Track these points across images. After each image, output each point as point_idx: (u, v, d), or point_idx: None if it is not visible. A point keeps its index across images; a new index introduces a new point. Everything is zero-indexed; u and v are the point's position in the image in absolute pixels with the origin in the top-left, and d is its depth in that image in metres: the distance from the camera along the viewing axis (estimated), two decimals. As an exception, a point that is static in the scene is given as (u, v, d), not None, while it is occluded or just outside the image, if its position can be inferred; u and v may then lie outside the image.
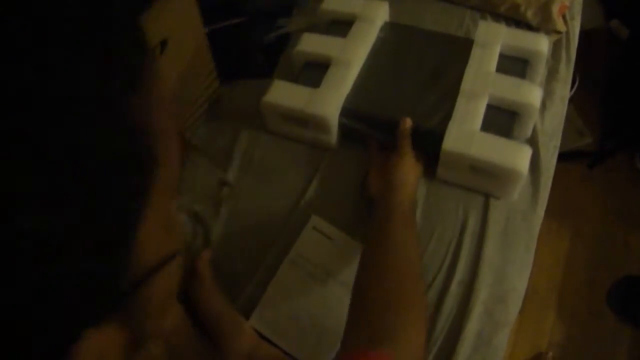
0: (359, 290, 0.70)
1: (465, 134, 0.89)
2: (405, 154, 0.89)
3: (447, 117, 0.92)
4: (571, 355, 1.50)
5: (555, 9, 1.14)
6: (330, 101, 0.95)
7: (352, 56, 1.00)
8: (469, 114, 0.91)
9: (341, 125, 0.97)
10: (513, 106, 0.94)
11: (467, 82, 0.96)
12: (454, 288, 0.87)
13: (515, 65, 1.01)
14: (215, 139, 1.06)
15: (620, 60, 1.90)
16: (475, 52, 1.00)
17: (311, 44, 1.04)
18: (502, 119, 0.93)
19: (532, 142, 1.01)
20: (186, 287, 0.87)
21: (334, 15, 1.10)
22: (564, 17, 1.18)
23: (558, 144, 1.05)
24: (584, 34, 1.30)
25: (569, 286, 1.59)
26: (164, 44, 0.82)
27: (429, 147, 0.91)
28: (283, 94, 0.97)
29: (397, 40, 1.06)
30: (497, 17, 1.18)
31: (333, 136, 0.98)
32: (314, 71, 1.01)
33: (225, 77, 1.13)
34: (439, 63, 1.01)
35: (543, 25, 1.15)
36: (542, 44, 1.01)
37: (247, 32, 1.09)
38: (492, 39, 1.01)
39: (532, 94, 0.94)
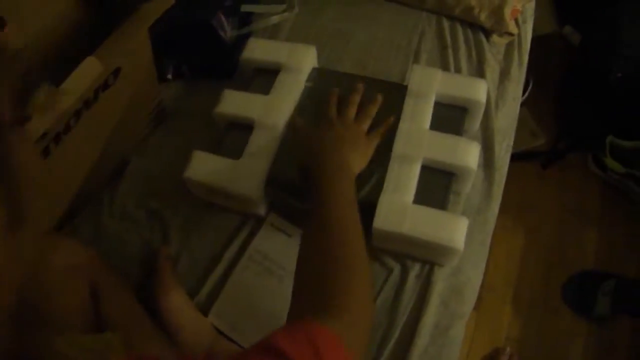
0: (299, 261, 0.68)
1: (398, 208, 0.83)
2: (330, 120, 0.84)
3: (379, 184, 0.86)
4: (528, 349, 1.53)
5: (508, 12, 1.17)
6: (252, 175, 0.88)
7: (276, 118, 0.93)
8: (402, 182, 0.86)
9: (268, 196, 0.91)
10: (449, 168, 0.89)
11: (399, 144, 0.89)
12: (411, 282, 0.88)
13: (451, 114, 0.95)
14: (172, 139, 1.06)
15: (573, 65, 1.95)
16: (409, 104, 0.93)
17: (232, 104, 0.96)
18: (438, 182, 0.88)
19: (486, 139, 1.04)
20: (145, 284, 0.87)
21: (257, 64, 1.02)
22: (516, 20, 1.21)
23: (511, 142, 1.07)
24: (539, 40, 1.34)
25: (525, 282, 1.63)
26: (117, 71, 0.85)
27: (361, 218, 0.84)
28: (205, 167, 0.90)
29: (326, 90, 0.97)
30: (453, 19, 1.21)
31: (261, 207, 0.92)
32: (238, 135, 0.94)
33: (188, 76, 1.14)
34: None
35: (496, 27, 1.18)
36: (479, 92, 0.95)
37: (209, 28, 1.08)
38: (426, 89, 0.95)
39: (468, 154, 0.88)
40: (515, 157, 1.75)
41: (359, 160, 0.84)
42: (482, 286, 0.93)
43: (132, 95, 0.95)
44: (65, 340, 0.61)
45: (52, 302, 0.66)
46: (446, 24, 1.20)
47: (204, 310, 0.86)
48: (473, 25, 1.20)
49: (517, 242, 1.70)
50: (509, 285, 1.61)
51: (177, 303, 0.83)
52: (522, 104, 1.14)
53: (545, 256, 1.68)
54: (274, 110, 0.94)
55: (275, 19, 1.20)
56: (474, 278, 0.92)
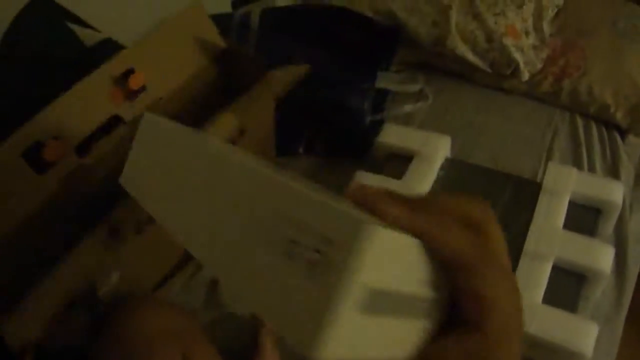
0: None
1: (526, 307, 0.81)
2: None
3: None
4: None
5: (646, 112, 1.15)
6: None
7: None
8: (532, 281, 0.84)
9: None
10: (581, 270, 0.86)
11: (531, 241, 0.88)
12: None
13: (585, 214, 0.93)
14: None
15: None
16: (543, 201, 0.93)
17: None
18: (569, 285, 0.86)
19: (619, 243, 1.01)
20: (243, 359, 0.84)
21: (392, 149, 1.04)
22: (654, 120, 1.19)
23: (643, 248, 1.04)
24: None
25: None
26: (243, 131, 0.90)
27: None
28: None
29: (458, 181, 0.99)
30: (587, 117, 1.20)
31: None
32: None
33: (320, 152, 1.18)
34: (503, 211, 0.94)
35: (632, 126, 1.16)
36: (616, 193, 0.93)
37: (348, 109, 1.12)
38: (561, 187, 0.94)
39: (602, 257, 0.86)
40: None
41: None
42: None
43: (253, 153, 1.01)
44: None
45: None
46: (580, 121, 1.20)
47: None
48: (608, 124, 1.19)
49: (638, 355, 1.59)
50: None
51: None
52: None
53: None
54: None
55: (409, 107, 1.24)
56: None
